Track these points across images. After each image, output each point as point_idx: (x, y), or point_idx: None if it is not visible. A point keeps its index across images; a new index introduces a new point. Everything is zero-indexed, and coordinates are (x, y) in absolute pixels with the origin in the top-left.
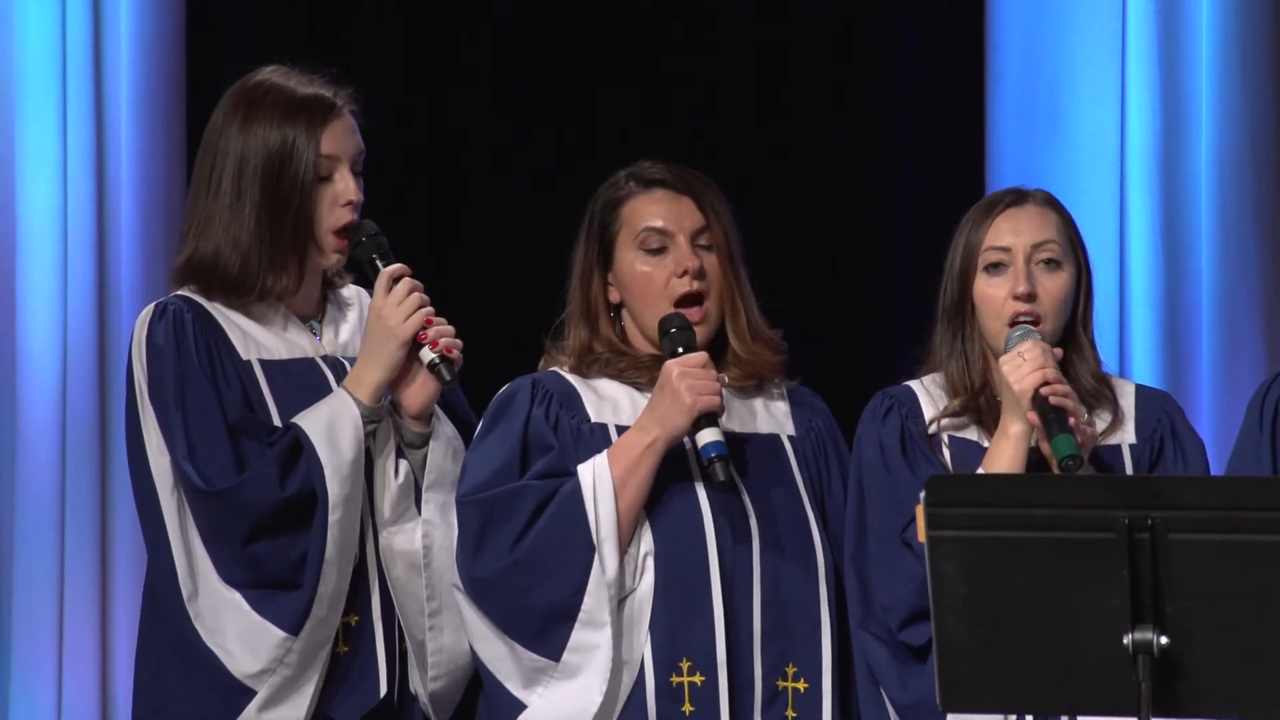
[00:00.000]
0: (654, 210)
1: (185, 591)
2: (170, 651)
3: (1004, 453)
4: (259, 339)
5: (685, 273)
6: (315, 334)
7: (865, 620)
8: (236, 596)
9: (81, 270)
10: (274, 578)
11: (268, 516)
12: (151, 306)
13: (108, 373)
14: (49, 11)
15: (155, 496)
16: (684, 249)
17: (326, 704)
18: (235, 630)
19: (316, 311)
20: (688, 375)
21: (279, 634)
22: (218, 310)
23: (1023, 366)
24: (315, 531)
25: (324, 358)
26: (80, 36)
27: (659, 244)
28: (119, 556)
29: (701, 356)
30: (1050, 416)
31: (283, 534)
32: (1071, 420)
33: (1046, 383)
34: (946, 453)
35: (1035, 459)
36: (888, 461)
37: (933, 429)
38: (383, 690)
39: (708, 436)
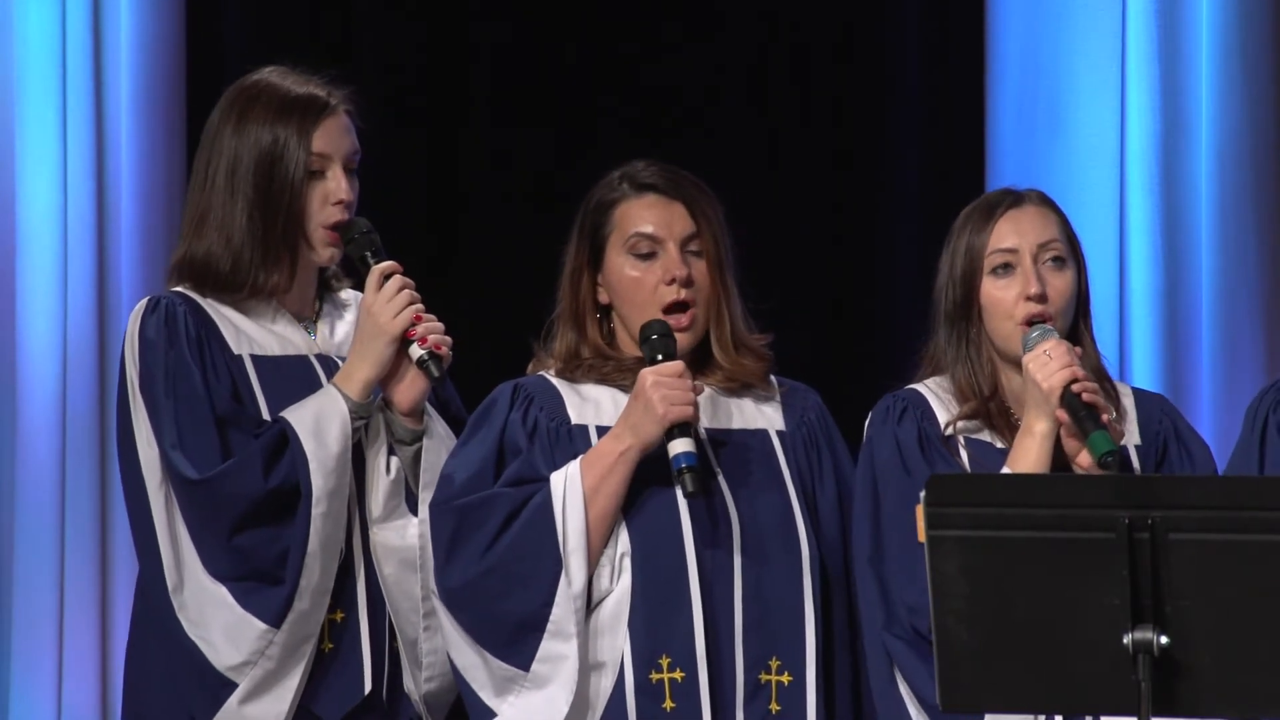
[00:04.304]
0: (645, 215)
1: (170, 583)
2: (156, 646)
3: (1029, 452)
4: (251, 334)
5: (673, 280)
6: (310, 332)
7: (889, 623)
8: (223, 590)
9: (81, 270)
10: (259, 570)
11: (252, 507)
12: (145, 301)
13: (108, 373)
14: (49, 11)
15: (144, 490)
16: (673, 256)
17: (310, 700)
18: (219, 623)
19: (310, 311)
20: (661, 385)
21: (260, 626)
22: (211, 306)
23: (1050, 364)
24: (298, 524)
25: (317, 355)
26: (80, 36)
27: (649, 249)
28: (119, 556)
29: (677, 366)
30: (1083, 413)
31: (267, 526)
32: (1105, 417)
33: (1075, 379)
34: (964, 454)
35: (1056, 458)
36: (907, 462)
37: (949, 431)
38: (367, 688)
39: (679, 447)
